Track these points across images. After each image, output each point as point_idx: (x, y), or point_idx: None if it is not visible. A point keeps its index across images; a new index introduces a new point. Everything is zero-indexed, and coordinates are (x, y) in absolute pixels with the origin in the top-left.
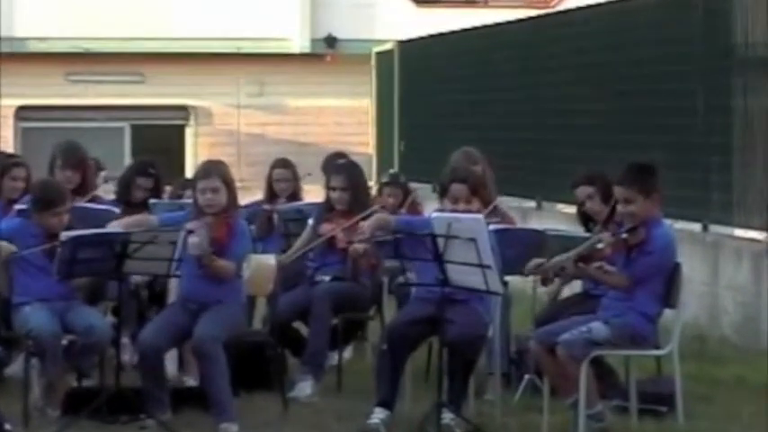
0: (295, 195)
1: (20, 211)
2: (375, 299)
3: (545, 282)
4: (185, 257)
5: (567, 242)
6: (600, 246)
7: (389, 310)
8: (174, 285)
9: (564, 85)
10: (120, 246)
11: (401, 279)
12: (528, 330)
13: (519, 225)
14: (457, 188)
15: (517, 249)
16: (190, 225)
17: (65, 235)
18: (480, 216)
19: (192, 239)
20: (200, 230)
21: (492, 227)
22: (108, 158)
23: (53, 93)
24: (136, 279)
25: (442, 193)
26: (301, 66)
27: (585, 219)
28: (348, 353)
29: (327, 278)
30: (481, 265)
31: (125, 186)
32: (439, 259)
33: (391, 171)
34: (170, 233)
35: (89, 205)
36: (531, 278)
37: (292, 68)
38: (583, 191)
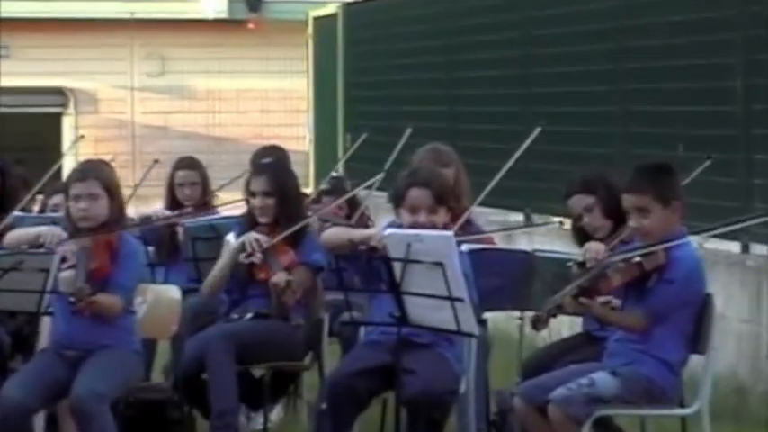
0: (206, 205)
1: None
2: (311, 343)
3: (537, 324)
4: (58, 290)
5: (562, 266)
6: (607, 273)
7: (331, 357)
8: (45, 326)
9: (561, 60)
10: None
11: (346, 316)
12: (512, 384)
13: (501, 245)
14: (416, 194)
15: (498, 277)
16: (61, 249)
17: None
18: (449, 233)
19: (64, 274)
20: (75, 256)
21: (465, 247)
22: None
23: None
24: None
25: (397, 201)
26: (215, 36)
27: (583, 237)
28: (277, 413)
29: (249, 315)
30: (450, 298)
31: None
32: (395, 290)
33: (333, 174)
34: (39, 257)
35: None
36: (517, 314)
37: (203, 39)
38: (579, 201)
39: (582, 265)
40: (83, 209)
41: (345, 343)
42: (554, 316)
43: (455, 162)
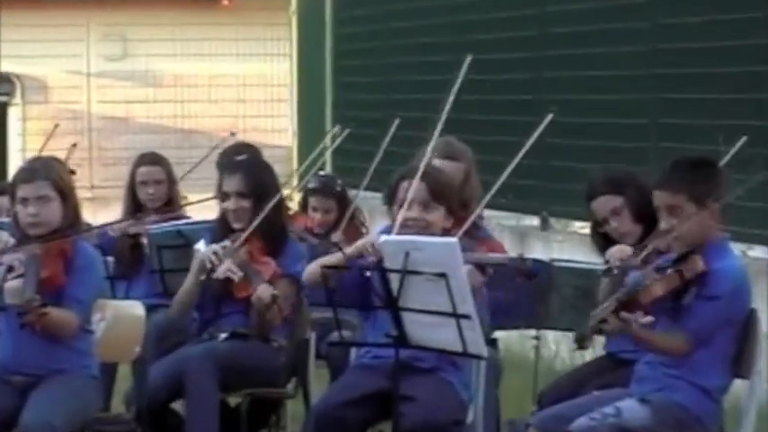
0: (171, 206)
1: None
2: (295, 367)
3: (583, 342)
4: (4, 306)
5: (585, 278)
6: (646, 283)
7: (318, 383)
8: None
9: (582, 41)
10: None
11: (335, 337)
12: (527, 413)
13: (513, 253)
14: (408, 186)
15: (511, 290)
16: (6, 257)
17: None
18: (453, 240)
19: (11, 284)
20: (23, 265)
21: (472, 256)
22: None
23: None
24: None
25: (390, 197)
26: (184, 12)
27: (606, 244)
28: None
29: (223, 335)
30: (455, 315)
31: None
32: (392, 306)
33: (321, 173)
34: None
35: None
36: (532, 333)
37: (170, 18)
38: (605, 203)
39: (609, 271)
40: (32, 213)
41: (334, 367)
42: (600, 332)
43: (467, 160)
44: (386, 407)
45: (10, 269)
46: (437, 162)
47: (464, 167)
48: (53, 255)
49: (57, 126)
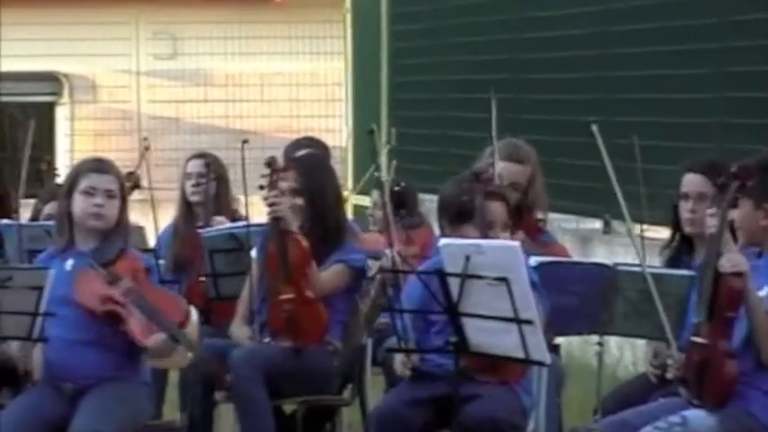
0: (219, 207)
1: None
2: (350, 373)
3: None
4: (59, 311)
5: (653, 282)
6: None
7: (374, 390)
8: (38, 355)
9: (645, 38)
10: None
11: (392, 342)
12: (590, 420)
13: (575, 257)
14: (494, 209)
15: (573, 295)
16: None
17: None
18: (515, 243)
19: (152, 341)
20: (138, 308)
21: (534, 259)
22: None
23: None
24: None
25: (463, 214)
26: (235, 10)
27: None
28: None
29: (267, 339)
30: (518, 320)
31: None
32: (452, 311)
33: (383, 175)
34: (32, 273)
35: None
36: (595, 339)
37: (220, 15)
38: (698, 183)
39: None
40: (99, 204)
41: (391, 374)
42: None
43: (532, 163)
44: (447, 413)
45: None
46: (501, 164)
47: (529, 171)
48: (136, 278)
49: (146, 141)
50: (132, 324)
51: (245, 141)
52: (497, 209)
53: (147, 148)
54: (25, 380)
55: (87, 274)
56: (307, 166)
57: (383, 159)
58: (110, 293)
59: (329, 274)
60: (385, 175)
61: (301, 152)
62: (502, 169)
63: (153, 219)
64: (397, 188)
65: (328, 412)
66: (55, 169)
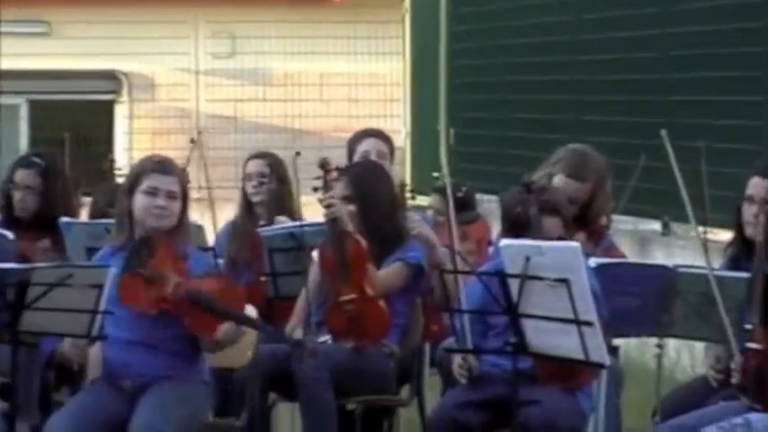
0: (281, 206)
1: None
2: (407, 373)
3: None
4: (117, 310)
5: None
6: None
7: (432, 391)
8: (96, 353)
9: (704, 41)
10: (16, 290)
11: (451, 343)
12: (649, 423)
13: (633, 259)
14: (547, 224)
15: (632, 296)
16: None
17: None
18: (575, 244)
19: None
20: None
21: (594, 260)
22: None
23: None
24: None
25: (522, 223)
26: (294, 10)
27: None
28: None
29: (326, 338)
30: (577, 321)
31: (5, 195)
32: (512, 312)
33: (448, 179)
34: (92, 271)
35: None
36: (654, 341)
37: (279, 14)
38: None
39: None
40: (162, 206)
41: (447, 374)
42: None
43: (595, 179)
44: (506, 414)
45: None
46: (558, 179)
47: (589, 188)
48: (178, 269)
49: (198, 136)
50: (192, 320)
51: (297, 153)
52: (551, 225)
53: (193, 141)
54: (80, 376)
55: (129, 279)
56: (358, 173)
57: (445, 162)
58: (160, 294)
59: (387, 273)
60: (447, 178)
61: (363, 145)
62: (561, 183)
63: (212, 217)
64: (459, 194)
65: (386, 412)
66: (118, 168)
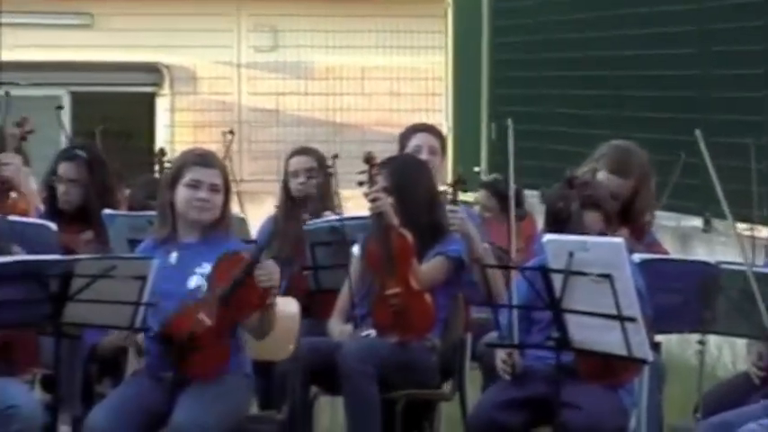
0: (325, 202)
1: None
2: (448, 368)
3: None
4: (161, 304)
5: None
6: None
7: (473, 385)
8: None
9: (747, 35)
10: (59, 282)
11: (494, 338)
12: (690, 419)
13: (674, 254)
14: (589, 219)
15: (675, 293)
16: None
17: None
18: (619, 240)
19: (269, 263)
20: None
21: (637, 256)
22: (35, 146)
23: None
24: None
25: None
26: (336, 3)
27: None
28: None
29: (371, 332)
30: (620, 317)
31: (49, 187)
32: (555, 307)
33: (495, 176)
34: (135, 262)
35: (14, 219)
36: (696, 338)
37: (321, 8)
38: None
39: None
40: (204, 198)
41: (489, 370)
42: None
43: (637, 175)
44: (546, 412)
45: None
46: (601, 175)
47: (632, 184)
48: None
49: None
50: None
51: (335, 157)
52: (592, 219)
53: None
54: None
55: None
56: (398, 165)
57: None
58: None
59: (429, 267)
60: (510, 177)
61: (414, 140)
62: (605, 180)
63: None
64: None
65: (427, 406)
66: (168, 161)
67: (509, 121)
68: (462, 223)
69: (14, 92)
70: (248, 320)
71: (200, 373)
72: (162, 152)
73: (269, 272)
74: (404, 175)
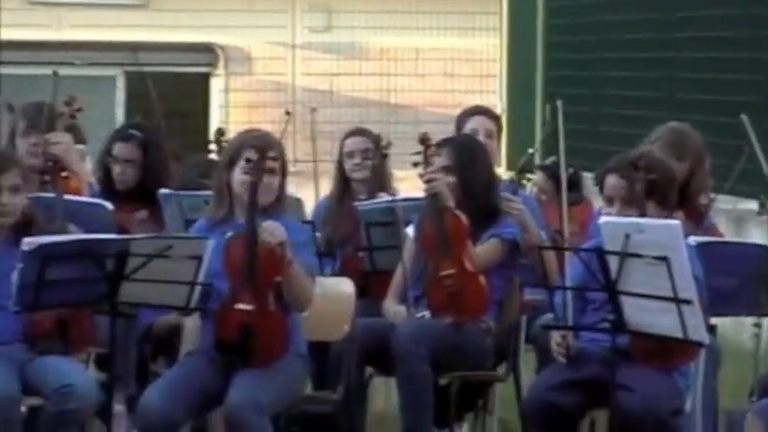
0: (380, 183)
1: None
2: (503, 350)
3: None
4: (217, 282)
5: None
6: None
7: (526, 367)
8: (192, 325)
9: None
10: (115, 261)
11: (548, 320)
12: (746, 402)
13: (729, 237)
14: (611, 182)
15: (731, 276)
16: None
17: (28, 242)
18: (676, 222)
19: (268, 222)
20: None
21: (693, 239)
22: (91, 126)
23: (7, 23)
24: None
25: (599, 185)
26: None
27: None
28: None
29: (426, 313)
30: (676, 299)
31: (104, 166)
32: (611, 289)
33: (553, 158)
34: (191, 242)
35: (70, 198)
36: (751, 321)
37: None
38: None
39: None
40: (267, 181)
41: (543, 352)
42: None
43: (693, 157)
44: (601, 394)
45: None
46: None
47: (687, 167)
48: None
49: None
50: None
51: (387, 146)
52: (615, 185)
53: (286, 113)
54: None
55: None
56: (459, 144)
57: (561, 140)
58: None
59: (484, 249)
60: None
61: (471, 123)
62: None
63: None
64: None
65: (482, 387)
66: (226, 141)
67: (558, 102)
68: (520, 214)
69: (70, 72)
70: (285, 289)
71: (263, 358)
72: (220, 132)
73: (270, 229)
74: (466, 155)
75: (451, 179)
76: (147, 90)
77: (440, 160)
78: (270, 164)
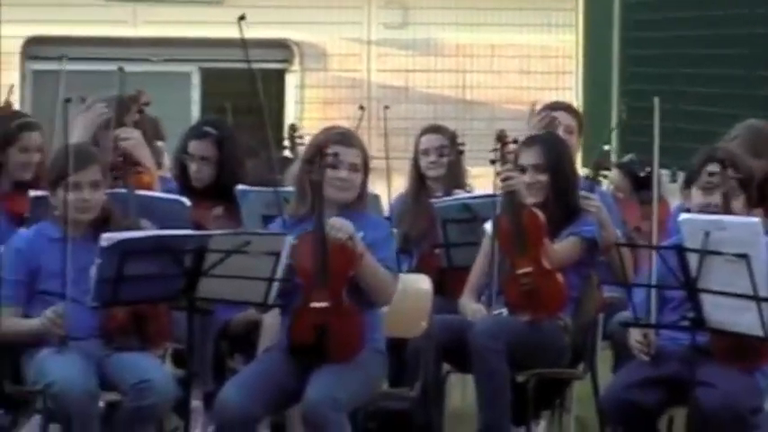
0: (456, 180)
1: (36, 199)
2: (579, 347)
3: None
4: (294, 279)
5: None
6: None
7: (603, 365)
8: (270, 322)
9: None
10: (193, 257)
11: (627, 317)
12: None
13: None
14: (714, 171)
15: None
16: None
17: (107, 238)
18: (756, 219)
19: (333, 219)
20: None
21: None
22: (167, 123)
23: (80, 19)
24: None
25: (690, 178)
26: None
27: None
28: (542, 430)
29: (503, 311)
30: (756, 297)
31: (180, 163)
32: (690, 287)
33: (631, 156)
34: (269, 238)
35: (143, 193)
36: None
37: None
38: None
39: None
40: (344, 178)
41: (620, 350)
42: None
43: None
44: (680, 392)
45: None
46: None
47: (766, 164)
48: None
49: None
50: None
51: (462, 144)
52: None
53: (360, 108)
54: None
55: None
56: (548, 142)
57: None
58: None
59: (562, 246)
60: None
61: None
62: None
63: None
64: (642, 174)
65: (559, 385)
66: (299, 136)
67: (655, 99)
68: (599, 211)
69: (145, 68)
70: (361, 282)
71: (340, 354)
72: (293, 128)
73: (337, 225)
74: (556, 153)
75: (543, 178)
76: (253, 85)
77: (527, 158)
78: (352, 160)
